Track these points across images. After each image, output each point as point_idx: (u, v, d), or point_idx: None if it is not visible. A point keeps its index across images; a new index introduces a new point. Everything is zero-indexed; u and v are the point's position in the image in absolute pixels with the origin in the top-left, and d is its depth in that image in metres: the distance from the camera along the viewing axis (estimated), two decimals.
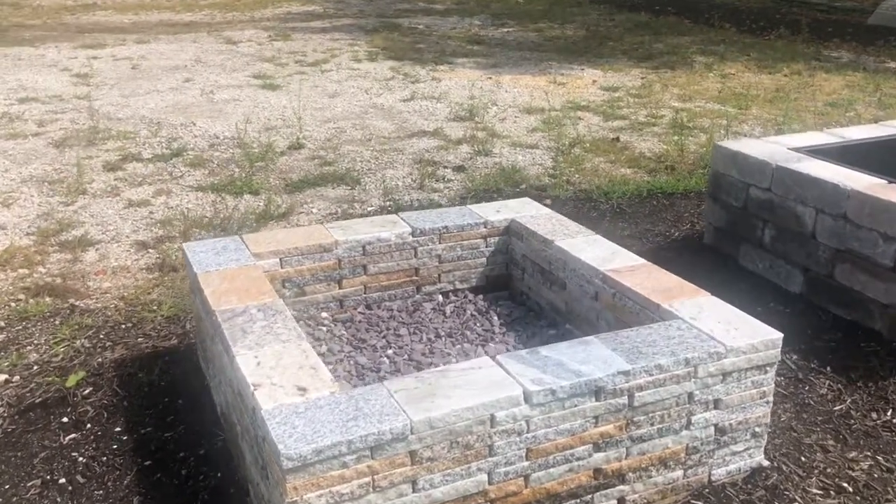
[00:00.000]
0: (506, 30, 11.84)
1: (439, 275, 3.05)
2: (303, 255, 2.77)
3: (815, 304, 3.37)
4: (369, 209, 4.76)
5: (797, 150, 3.59)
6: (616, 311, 2.58)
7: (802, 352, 3.08)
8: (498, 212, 3.15)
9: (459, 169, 5.58)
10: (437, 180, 5.30)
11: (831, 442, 2.57)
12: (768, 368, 2.26)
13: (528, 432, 1.96)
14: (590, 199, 4.90)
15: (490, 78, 8.58)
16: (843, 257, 3.20)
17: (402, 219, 3.04)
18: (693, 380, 2.14)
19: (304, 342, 2.12)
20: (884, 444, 2.55)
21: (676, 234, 4.22)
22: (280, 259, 2.75)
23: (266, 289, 2.41)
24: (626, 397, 2.06)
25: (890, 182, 3.19)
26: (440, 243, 3.01)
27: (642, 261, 2.73)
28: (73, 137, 6.10)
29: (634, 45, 10.43)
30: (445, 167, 5.61)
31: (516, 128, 6.61)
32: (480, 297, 3.10)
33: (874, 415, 2.69)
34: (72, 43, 10.27)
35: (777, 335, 2.25)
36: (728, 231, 3.78)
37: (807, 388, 2.86)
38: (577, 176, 5.41)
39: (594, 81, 8.38)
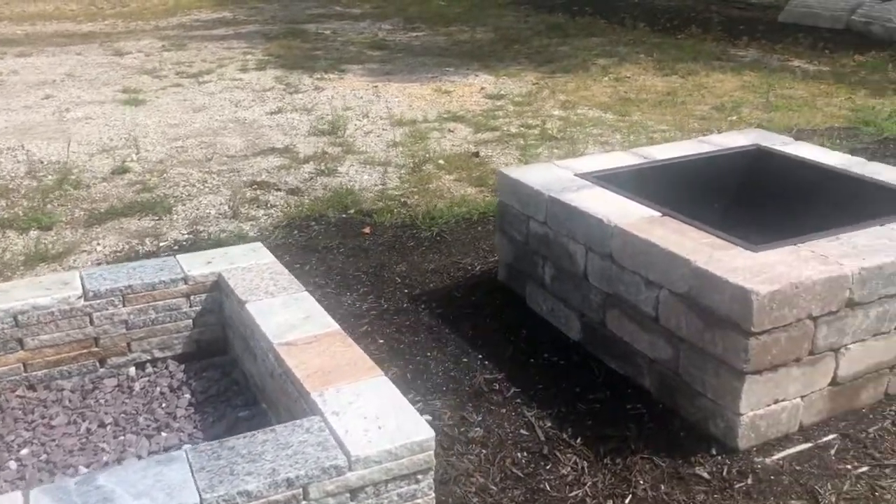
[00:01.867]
0: (415, 34, 11.39)
1: (129, 343, 2.59)
2: None
3: (592, 354, 2.95)
4: (161, 244, 4.28)
5: (584, 176, 3.17)
6: (284, 395, 2.13)
7: (561, 417, 2.65)
8: (209, 263, 2.69)
9: (294, 192, 5.12)
10: (258, 206, 4.83)
11: None
12: (420, 476, 1.82)
13: None
14: (414, 225, 4.46)
15: (375, 86, 8.12)
16: (612, 302, 2.78)
17: (81, 277, 2.56)
18: (304, 503, 1.70)
19: None
20: None
21: (479, 268, 3.78)
22: None
23: None
24: None
25: (664, 215, 2.77)
26: (125, 306, 2.54)
27: (334, 328, 2.29)
28: None
29: (540, 48, 10.02)
30: (279, 190, 5.14)
31: (377, 142, 6.16)
32: (183, 367, 2.64)
33: (609, 503, 2.27)
34: None
35: (427, 436, 1.81)
36: (516, 268, 3.36)
37: (548, 468, 2.43)
38: (416, 197, 4.97)
39: (482, 89, 7.95)
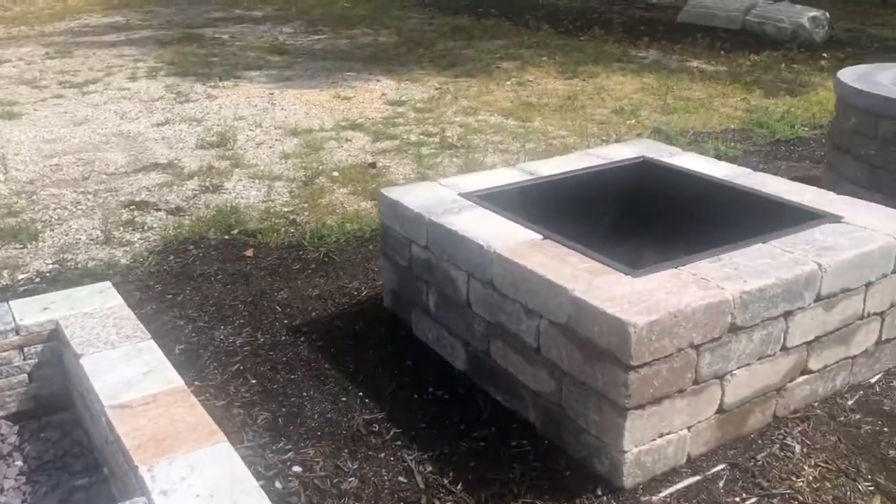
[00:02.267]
0: (317, 37, 11.09)
1: None
2: None
3: (479, 386, 2.79)
4: (21, 277, 3.91)
5: (467, 195, 3.01)
6: (118, 466, 1.88)
7: (443, 459, 2.47)
8: (46, 309, 2.40)
9: (175, 211, 4.80)
10: (134, 229, 4.50)
11: None
12: None
13: None
14: (300, 245, 4.22)
15: (272, 94, 7.81)
16: (496, 332, 2.63)
17: None
18: None
19: None
20: None
21: (366, 293, 3.58)
22: None
23: None
24: None
25: (545, 238, 2.63)
26: None
27: (176, 384, 2.05)
28: None
29: (444, 51, 9.88)
30: (158, 210, 4.81)
31: (269, 154, 5.87)
32: (17, 428, 2.34)
33: None
34: None
35: None
36: (401, 294, 3.17)
37: None
38: (306, 213, 4.72)
39: (383, 94, 7.75)
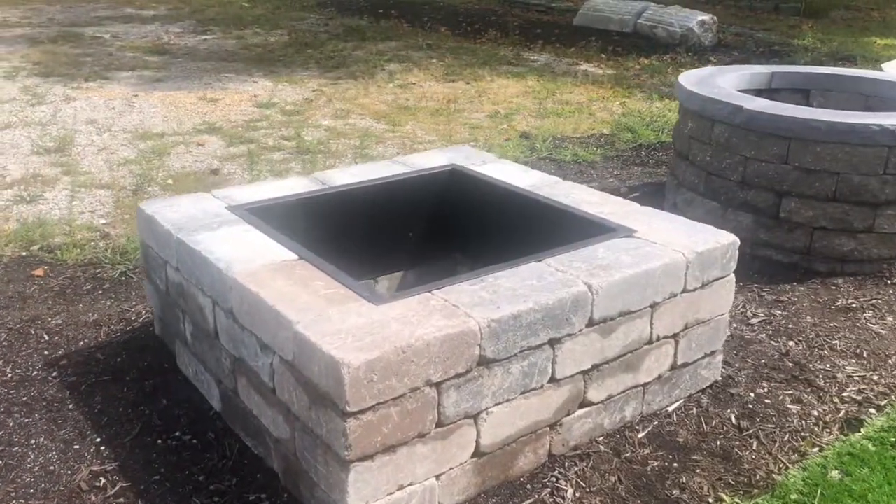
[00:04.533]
0: (204, 37, 10.60)
1: None
2: None
3: (231, 429, 2.44)
4: None
5: (235, 209, 2.66)
6: None
7: None
8: None
9: None
10: None
11: None
12: None
13: None
14: (100, 263, 3.80)
15: (136, 95, 7.33)
16: (241, 368, 2.29)
17: None
18: None
19: None
20: None
21: (145, 318, 3.19)
22: None
23: None
24: None
25: (301, 258, 2.31)
26: None
27: None
28: None
29: (333, 52, 9.53)
30: None
31: (107, 161, 5.42)
32: None
33: None
34: None
35: None
36: (165, 322, 2.81)
37: None
38: (122, 226, 4.30)
39: (255, 96, 7.35)
